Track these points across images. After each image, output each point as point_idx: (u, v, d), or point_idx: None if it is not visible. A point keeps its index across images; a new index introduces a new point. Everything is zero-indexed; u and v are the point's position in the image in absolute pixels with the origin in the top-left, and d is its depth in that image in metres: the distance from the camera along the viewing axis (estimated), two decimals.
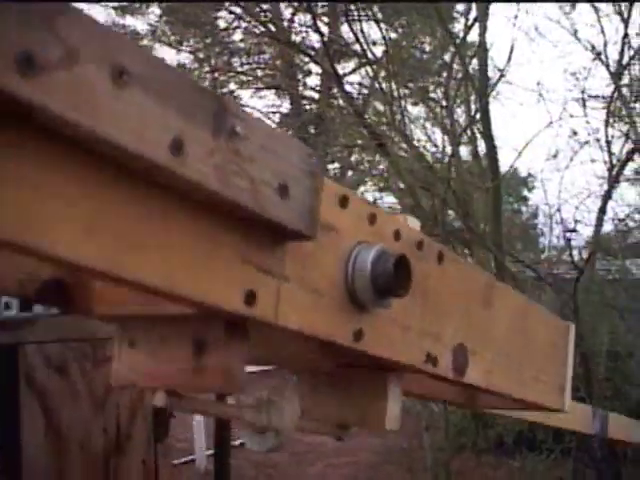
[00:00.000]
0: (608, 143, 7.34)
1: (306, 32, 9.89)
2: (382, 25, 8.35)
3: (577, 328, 4.87)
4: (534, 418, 1.96)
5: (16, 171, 0.58)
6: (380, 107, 8.59)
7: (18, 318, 2.06)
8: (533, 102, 11.02)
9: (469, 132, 8.13)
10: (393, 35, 9.36)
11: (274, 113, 12.79)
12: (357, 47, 8.57)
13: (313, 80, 12.74)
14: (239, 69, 11.63)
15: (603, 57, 7.41)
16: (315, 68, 11.06)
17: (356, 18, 8.27)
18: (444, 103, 8.15)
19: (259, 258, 0.81)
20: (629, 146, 7.46)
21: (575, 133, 7.76)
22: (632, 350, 7.51)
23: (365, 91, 10.31)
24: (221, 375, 0.85)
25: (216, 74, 11.13)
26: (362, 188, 10.49)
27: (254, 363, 1.10)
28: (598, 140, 7.48)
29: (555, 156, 7.95)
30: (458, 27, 8.49)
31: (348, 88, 9.66)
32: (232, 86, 11.90)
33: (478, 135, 8.03)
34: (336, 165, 10.67)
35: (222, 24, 10.75)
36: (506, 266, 7.30)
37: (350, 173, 10.81)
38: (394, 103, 7.71)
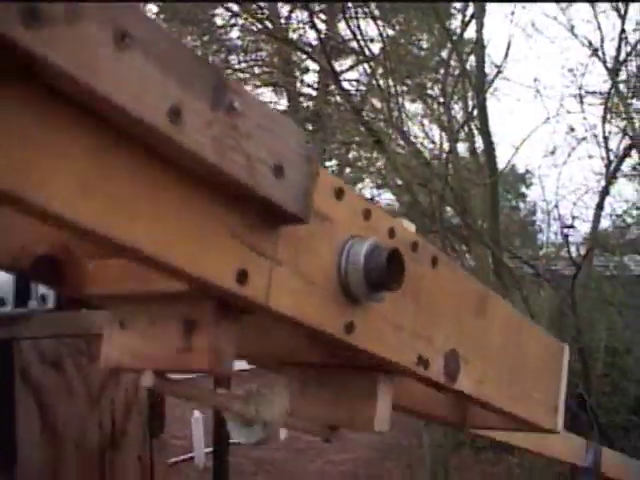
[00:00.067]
0: (605, 139, 7.35)
1: (303, 29, 9.88)
2: (379, 22, 8.34)
3: (575, 324, 4.85)
4: (525, 444, 1.92)
5: (19, 126, 0.59)
6: (377, 104, 8.58)
7: (13, 314, 2.06)
8: (530, 98, 11.01)
9: (466, 128, 8.12)
10: (390, 32, 9.36)
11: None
12: (354, 44, 8.57)
13: (310, 77, 12.76)
14: (236, 66, 11.62)
15: (600, 53, 7.41)
16: (312, 65, 11.06)
17: (353, 15, 8.26)
18: (441, 100, 8.14)
19: (253, 238, 0.81)
20: (626, 142, 7.46)
21: (572, 129, 7.77)
22: (630, 346, 7.52)
23: (363, 88, 10.30)
24: (209, 355, 0.85)
25: None
26: (360, 185, 10.50)
27: (242, 356, 1.10)
28: (595, 136, 7.50)
29: (553, 152, 7.96)
30: (455, 24, 8.48)
31: (346, 85, 9.66)
32: None
33: (475, 131, 8.03)
34: (334, 162, 10.66)
35: (219, 22, 10.75)
36: (504, 262, 7.30)
37: (348, 170, 10.80)
38: (391, 100, 7.71)
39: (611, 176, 7.34)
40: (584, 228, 7.82)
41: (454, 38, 7.75)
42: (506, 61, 7.81)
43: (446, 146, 7.99)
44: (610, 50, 7.44)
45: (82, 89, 0.60)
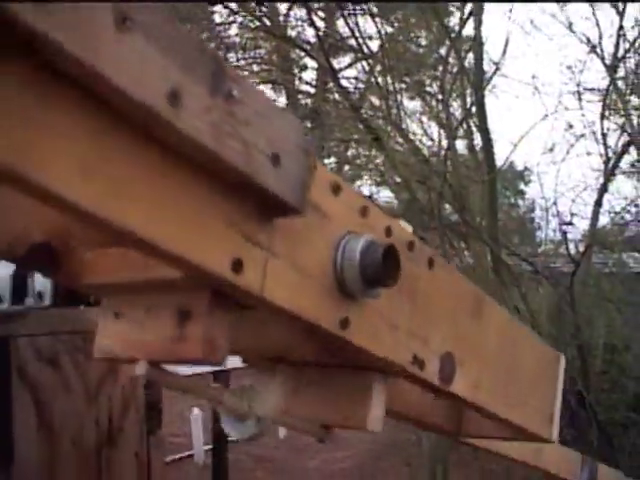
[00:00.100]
0: (604, 136, 7.35)
1: (302, 27, 9.88)
2: (378, 19, 8.33)
3: (574, 321, 4.85)
4: (519, 457, 1.90)
5: (20, 106, 0.60)
6: (376, 101, 8.58)
7: (9, 311, 2.06)
8: (529, 95, 11.01)
9: (465, 126, 8.12)
10: (389, 29, 9.36)
11: None
12: (353, 41, 8.57)
13: (309, 74, 12.75)
14: (235, 64, 11.62)
15: (598, 50, 7.40)
16: (311, 63, 11.06)
17: (351, 12, 8.26)
18: (440, 97, 8.14)
19: (249, 228, 0.81)
20: (625, 139, 7.46)
21: (571, 126, 7.76)
22: (629, 343, 7.52)
23: (361, 86, 10.30)
24: (202, 344, 0.85)
25: None
26: (359, 182, 10.50)
27: (236, 351, 1.10)
28: (594, 133, 7.49)
29: (551, 149, 7.96)
30: (454, 21, 8.47)
31: (344, 83, 9.66)
32: None
33: (474, 129, 8.03)
34: (333, 159, 10.66)
35: (218, 19, 10.74)
36: (503, 259, 7.30)
37: (347, 167, 10.80)
38: (390, 97, 7.70)
39: (609, 173, 7.34)
40: (583, 225, 7.83)
41: (452, 35, 7.75)
42: (504, 58, 7.82)
43: (445, 143, 7.99)
44: (608, 47, 7.45)
45: (83, 69, 0.61)
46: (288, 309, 0.88)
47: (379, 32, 8.18)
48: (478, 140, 8.00)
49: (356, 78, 10.82)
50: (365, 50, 8.47)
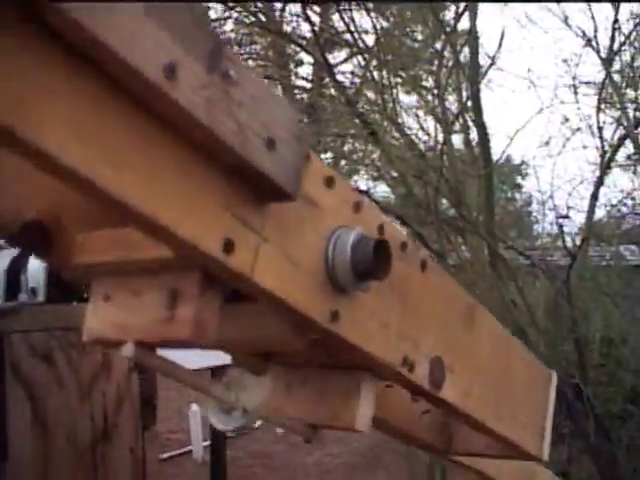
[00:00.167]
0: (600, 129, 7.34)
1: (297, 22, 9.87)
2: (373, 14, 8.32)
3: (571, 314, 4.85)
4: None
5: (19, 67, 0.61)
6: (372, 96, 8.57)
7: (3, 307, 2.06)
8: (524, 89, 11.00)
9: (461, 120, 8.12)
10: (384, 24, 9.34)
11: None
12: (348, 36, 8.55)
13: (305, 70, 12.74)
14: None
15: (594, 43, 7.39)
16: (307, 58, 11.05)
17: (347, 7, 8.24)
18: (436, 91, 8.13)
19: (241, 211, 0.82)
20: (621, 132, 7.45)
21: (567, 120, 7.76)
22: (626, 336, 7.53)
23: (357, 80, 10.29)
24: (191, 325, 0.85)
25: None
26: (355, 177, 10.49)
27: (224, 343, 1.10)
28: (590, 126, 7.49)
29: (547, 143, 7.95)
30: (449, 15, 8.45)
31: (340, 77, 9.65)
32: None
33: (470, 123, 8.02)
34: (329, 155, 10.65)
35: (213, 15, 10.72)
36: (499, 253, 7.30)
37: (343, 162, 10.79)
38: (386, 92, 7.69)
39: (606, 166, 7.33)
40: (579, 218, 7.82)
41: (448, 30, 7.73)
42: (500, 52, 7.79)
43: (441, 138, 7.98)
44: (604, 40, 7.44)
45: (83, 33, 0.62)
46: (278, 296, 0.89)
47: (374, 27, 8.17)
48: (474, 134, 8.00)
49: (352, 73, 10.81)
50: (361, 45, 8.46)
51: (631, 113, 7.45)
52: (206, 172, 0.78)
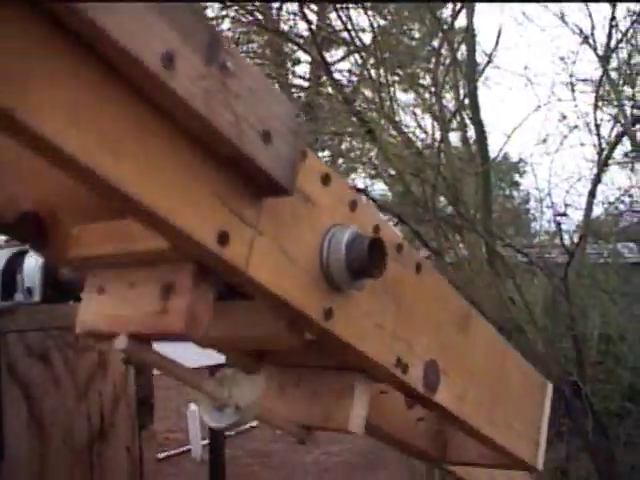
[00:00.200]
0: (597, 127, 7.34)
1: (294, 20, 9.85)
2: (370, 12, 8.31)
3: (569, 312, 4.84)
4: None
5: (19, 51, 0.61)
6: (369, 94, 8.56)
7: None
8: (522, 87, 11.00)
9: (458, 118, 8.11)
10: (382, 22, 9.33)
11: None
12: (345, 34, 8.54)
13: (302, 68, 12.73)
14: None
15: (591, 41, 7.39)
16: (304, 56, 11.04)
17: (344, 6, 8.23)
18: (433, 89, 8.12)
19: (236, 203, 0.82)
20: (618, 129, 7.45)
21: (564, 117, 7.76)
22: (624, 333, 7.53)
23: (355, 79, 10.28)
24: (185, 317, 0.85)
25: None
26: (353, 175, 10.49)
27: (217, 340, 1.09)
28: (587, 124, 7.48)
29: (545, 140, 7.95)
30: (446, 13, 8.44)
31: (337, 76, 9.64)
32: None
33: (467, 121, 8.01)
34: (327, 153, 10.65)
35: (210, 13, 10.70)
36: (497, 251, 7.30)
37: (341, 160, 10.78)
38: (383, 90, 7.69)
39: (603, 164, 7.33)
40: (577, 216, 7.82)
41: (445, 27, 7.73)
42: (497, 49, 7.79)
43: (438, 135, 7.98)
44: (601, 37, 7.43)
45: (83, 21, 0.62)
46: (273, 291, 0.88)
47: (372, 25, 8.16)
48: (472, 132, 7.99)
49: (349, 71, 10.80)
50: (358, 43, 8.45)
51: (628, 110, 7.46)
52: (202, 164, 0.78)
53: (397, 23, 9.49)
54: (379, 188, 9.98)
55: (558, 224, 7.34)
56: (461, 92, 7.91)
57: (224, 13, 9.39)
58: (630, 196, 7.91)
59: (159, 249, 0.85)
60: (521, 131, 10.03)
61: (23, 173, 0.97)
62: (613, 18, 7.19)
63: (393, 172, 7.97)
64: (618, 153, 7.86)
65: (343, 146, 10.71)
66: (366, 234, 0.98)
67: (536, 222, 9.60)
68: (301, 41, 9.36)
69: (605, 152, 7.36)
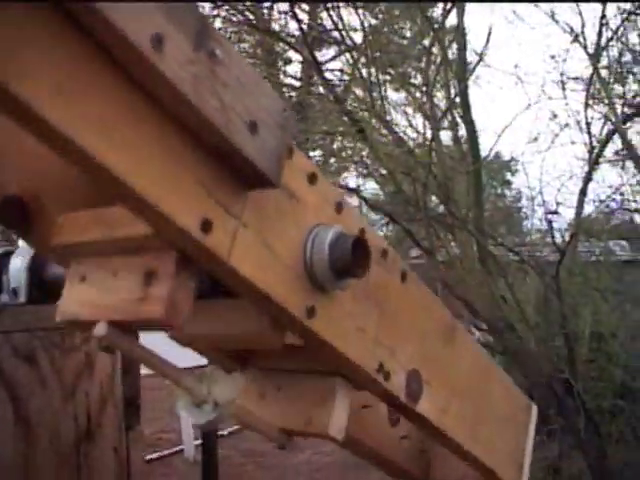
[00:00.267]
0: (588, 125, 7.36)
1: (285, 20, 9.85)
2: (361, 11, 8.31)
3: (560, 310, 4.83)
4: None
5: (7, 23, 0.62)
6: (360, 93, 8.56)
7: None
8: (512, 86, 11.02)
9: (450, 117, 8.12)
10: (373, 21, 9.34)
11: None
12: (336, 34, 8.55)
13: (293, 68, 12.72)
14: None
15: (581, 39, 7.40)
16: (295, 56, 11.03)
17: (335, 5, 8.23)
18: (424, 88, 8.13)
19: (221, 193, 0.82)
20: (609, 127, 7.47)
21: (555, 116, 7.77)
22: (615, 331, 7.54)
23: (346, 78, 10.28)
24: (165, 305, 0.84)
25: None
26: (345, 174, 10.50)
27: (201, 339, 1.09)
28: (578, 122, 7.50)
29: (536, 139, 7.96)
30: (437, 12, 8.45)
31: (328, 75, 9.64)
32: None
33: (459, 120, 8.02)
34: (318, 152, 10.65)
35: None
36: (489, 250, 7.31)
37: (332, 160, 10.78)
38: (374, 89, 7.69)
39: (594, 162, 7.34)
40: (569, 214, 7.84)
41: (436, 26, 7.73)
42: (487, 48, 7.81)
43: (429, 134, 7.99)
44: (592, 36, 7.45)
45: None
46: (254, 284, 0.88)
47: (362, 24, 8.16)
48: (463, 131, 8.00)
49: (340, 70, 10.80)
50: (349, 42, 8.45)
51: (619, 108, 7.48)
52: (189, 152, 0.78)
53: (388, 22, 9.50)
54: (371, 187, 10.00)
55: (549, 222, 7.37)
56: (452, 91, 7.92)
57: (215, 13, 9.38)
58: (621, 194, 7.93)
59: (142, 235, 0.85)
60: (512, 130, 10.09)
61: (9, 158, 0.97)
62: (603, 16, 7.21)
63: (384, 171, 7.98)
64: (609, 151, 7.89)
65: (334, 145, 10.71)
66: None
67: (528, 220, 9.63)
68: (292, 40, 9.36)
69: (596, 150, 7.38)
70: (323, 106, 8.93)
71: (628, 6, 7.16)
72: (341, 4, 8.09)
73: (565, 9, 8.29)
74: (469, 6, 7.70)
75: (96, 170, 0.72)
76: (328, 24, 9.00)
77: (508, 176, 13.92)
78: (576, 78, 7.70)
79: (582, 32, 7.37)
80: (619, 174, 8.15)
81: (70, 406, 2.07)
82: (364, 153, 9.24)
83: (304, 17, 9.72)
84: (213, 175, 0.81)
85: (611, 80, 7.64)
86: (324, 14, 9.07)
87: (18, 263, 2.03)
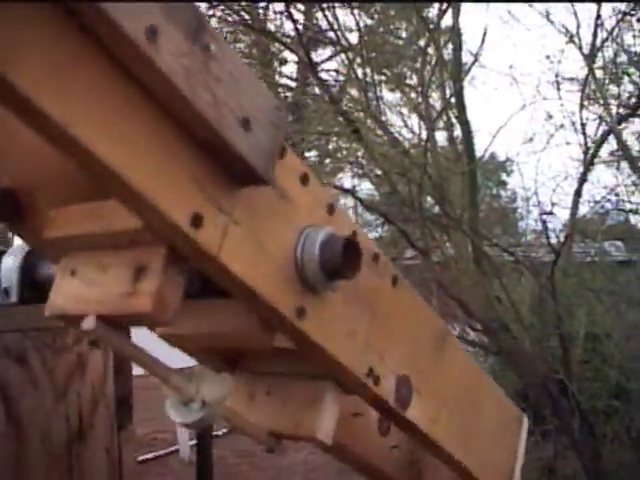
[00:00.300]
0: (583, 125, 7.36)
1: (281, 20, 9.86)
2: (356, 12, 8.31)
3: (555, 310, 4.83)
4: None
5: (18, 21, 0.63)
6: (355, 94, 8.56)
7: None
8: (507, 86, 11.02)
9: (445, 117, 8.12)
10: (368, 22, 9.35)
11: None
12: (332, 34, 8.54)
13: (289, 68, 12.72)
14: None
15: (576, 40, 7.41)
16: (291, 56, 11.03)
17: (330, 5, 8.23)
18: (419, 89, 8.13)
19: (213, 189, 0.82)
20: (604, 128, 7.47)
21: (550, 116, 7.78)
22: (610, 332, 7.55)
23: (341, 78, 10.28)
24: (153, 299, 0.84)
25: None
26: (340, 175, 10.50)
27: (191, 338, 1.08)
28: (573, 123, 7.50)
29: (531, 140, 7.97)
30: (433, 12, 8.45)
31: (324, 75, 9.65)
32: None
33: (454, 120, 8.03)
34: (314, 153, 10.65)
35: None
36: (484, 250, 7.31)
37: (328, 160, 10.78)
38: (369, 89, 7.69)
39: (589, 162, 7.35)
40: (564, 215, 7.84)
41: (431, 27, 7.73)
42: (482, 49, 7.81)
43: (424, 135, 7.99)
44: (587, 36, 7.45)
45: None
46: (244, 281, 0.88)
47: (358, 25, 8.16)
48: (458, 132, 8.01)
49: (336, 71, 10.81)
50: (344, 43, 8.45)
51: (614, 109, 7.48)
52: (184, 146, 0.78)
53: (383, 23, 9.50)
54: (366, 188, 10.00)
55: (544, 223, 7.37)
56: (447, 91, 7.92)
57: (211, 13, 9.37)
58: (616, 195, 7.94)
59: (132, 230, 0.85)
60: (507, 130, 10.08)
61: (1, 151, 0.97)
62: (598, 17, 7.21)
63: (380, 172, 7.98)
64: (604, 152, 7.90)
65: (330, 146, 10.71)
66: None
67: (523, 221, 9.63)
68: (288, 41, 9.36)
69: (591, 151, 7.38)
70: (318, 106, 8.93)
71: (623, 7, 7.17)
72: (336, 4, 8.08)
73: (560, 9, 8.29)
74: (464, 7, 7.71)
75: (92, 163, 0.72)
76: (324, 24, 8.99)
77: (503, 177, 13.95)
78: (571, 79, 7.72)
79: (577, 33, 7.39)
80: (614, 175, 8.16)
81: (62, 406, 2.06)
82: (359, 154, 9.25)
83: (299, 17, 9.71)
84: (205, 170, 0.81)
85: (606, 81, 7.66)
86: (320, 14, 9.06)
87: (10, 263, 2.02)
